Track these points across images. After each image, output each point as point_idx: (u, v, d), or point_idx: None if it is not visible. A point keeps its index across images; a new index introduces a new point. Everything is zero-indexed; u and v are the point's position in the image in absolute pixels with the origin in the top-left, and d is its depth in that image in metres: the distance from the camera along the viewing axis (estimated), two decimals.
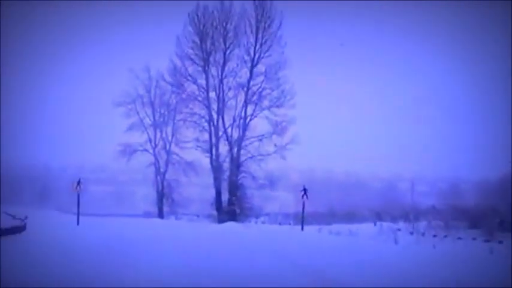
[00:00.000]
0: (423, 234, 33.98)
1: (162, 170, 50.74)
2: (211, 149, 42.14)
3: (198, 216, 48.22)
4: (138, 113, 50.49)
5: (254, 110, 41.56)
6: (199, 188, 49.01)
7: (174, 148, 50.06)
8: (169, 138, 50.43)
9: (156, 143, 50.96)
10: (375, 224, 39.13)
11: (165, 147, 50.80)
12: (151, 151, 50.88)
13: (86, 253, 16.47)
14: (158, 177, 50.91)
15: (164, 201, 50.65)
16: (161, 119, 50.61)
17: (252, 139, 41.80)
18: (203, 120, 42.59)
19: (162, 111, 50.15)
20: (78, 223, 30.03)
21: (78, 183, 32.40)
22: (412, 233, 34.43)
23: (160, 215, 50.25)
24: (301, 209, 31.76)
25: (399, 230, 35.25)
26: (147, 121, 50.39)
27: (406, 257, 19.29)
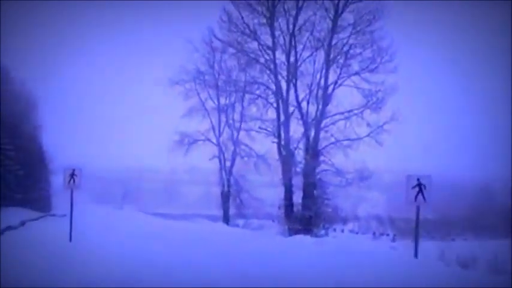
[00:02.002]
0: None
1: (228, 164, 45.66)
2: (278, 131, 34.94)
3: (273, 221, 42.11)
4: (198, 94, 45.12)
5: (338, 76, 33.85)
6: (272, 186, 41.73)
7: (243, 138, 44.53)
8: (237, 125, 44.67)
9: (221, 131, 45.70)
10: None
11: (231, 137, 45.38)
12: (214, 141, 45.78)
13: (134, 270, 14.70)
14: (223, 173, 46.00)
15: (230, 202, 45.80)
16: (227, 101, 45.02)
17: (336, 117, 34.10)
18: (268, 91, 35.45)
19: (229, 91, 44.34)
20: (70, 238, 21.64)
21: (72, 175, 23.32)
22: None
23: (226, 218, 45.63)
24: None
25: None
26: (210, 104, 45.27)
27: None
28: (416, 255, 18.23)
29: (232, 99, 44.08)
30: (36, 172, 60.46)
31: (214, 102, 45.64)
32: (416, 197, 17.63)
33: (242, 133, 44.57)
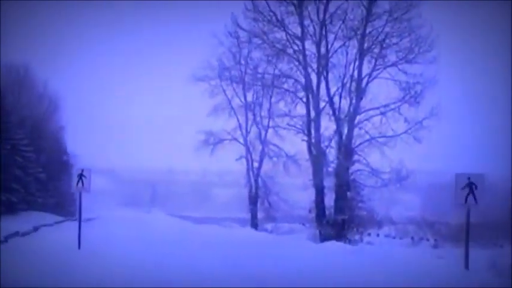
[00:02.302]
0: None
1: (255, 165, 44.20)
2: (308, 128, 32.97)
3: (303, 224, 40.50)
4: (224, 91, 43.66)
5: (373, 68, 31.99)
6: (302, 188, 39.26)
7: (271, 137, 42.95)
8: (265, 123, 42.96)
9: (248, 129, 44.12)
10: None
11: (259, 136, 43.67)
12: (241, 140, 44.31)
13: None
14: (251, 175, 44.56)
15: (258, 205, 44.50)
16: (254, 98, 43.38)
17: (371, 112, 32.26)
18: (296, 85, 33.50)
19: (256, 87, 42.59)
20: (79, 246, 20.04)
21: (80, 176, 21.49)
22: None
23: (254, 222, 44.31)
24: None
25: None
26: (236, 101, 43.75)
27: None
28: (467, 265, 15.86)
29: (260, 95, 42.47)
30: (59, 175, 59.65)
31: (240, 100, 44.62)
32: (466, 198, 15.36)
33: (270, 132, 43.66)
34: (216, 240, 28.73)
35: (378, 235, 38.93)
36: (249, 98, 44.10)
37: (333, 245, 26.05)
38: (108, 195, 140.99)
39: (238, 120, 44.14)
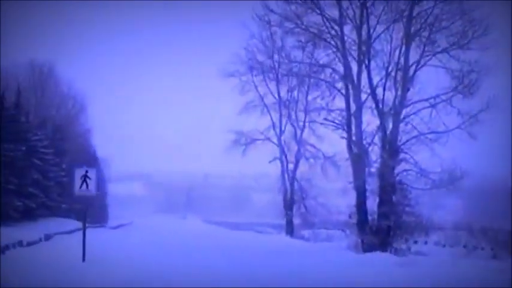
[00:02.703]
0: None
1: (291, 167, 43.60)
2: (348, 123, 29.62)
3: (343, 230, 37.51)
4: (256, 87, 42.85)
5: (421, 55, 28.60)
6: (342, 192, 36.27)
7: (307, 136, 42.37)
8: (301, 121, 42.19)
9: (283, 128, 43.64)
10: None
11: (295, 135, 43.05)
12: (275, 140, 43.76)
13: None
14: (286, 177, 43.91)
15: (294, 210, 43.95)
16: (289, 95, 42.48)
17: (419, 105, 28.97)
18: (334, 75, 30.18)
19: (290, 81, 41.09)
20: (83, 258, 19.33)
21: (85, 178, 19.84)
22: None
23: (289, 229, 43.78)
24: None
25: None
26: (270, 98, 43.14)
27: None
28: None
29: (295, 88, 40.12)
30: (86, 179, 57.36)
31: (274, 96, 42.97)
32: None
33: (307, 131, 42.11)
34: (250, 248, 29.36)
35: (425, 243, 35.94)
36: (283, 94, 42.47)
37: (377, 256, 23.86)
38: (142, 201, 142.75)
39: (271, 119, 43.24)
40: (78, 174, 18.95)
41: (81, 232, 36.46)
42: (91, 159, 62.60)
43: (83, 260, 18.71)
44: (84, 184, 18.98)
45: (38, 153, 39.76)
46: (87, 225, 48.29)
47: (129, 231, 50.31)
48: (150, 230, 53.18)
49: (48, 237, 27.91)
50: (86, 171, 19.11)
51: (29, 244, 23.77)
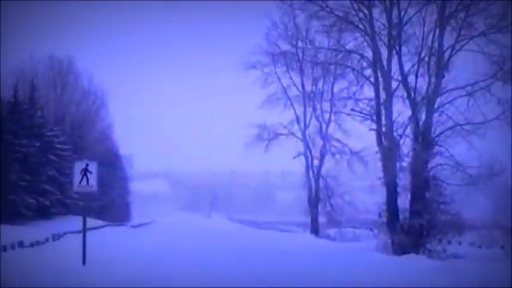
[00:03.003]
0: None
1: (315, 163, 42.66)
2: (378, 114, 27.76)
3: (370, 230, 37.98)
4: (279, 79, 41.79)
5: (457, 39, 26.55)
6: (370, 188, 34.77)
7: (333, 131, 41.53)
8: (327, 114, 41.08)
9: (307, 123, 42.44)
10: None
11: (320, 130, 42.03)
12: (299, 135, 42.74)
13: None
14: (310, 174, 42.88)
15: (320, 208, 43.10)
16: (314, 87, 41.10)
17: (454, 93, 27.02)
18: (362, 62, 28.50)
19: (316, 74, 39.88)
20: (84, 261, 18.04)
21: (85, 172, 17.91)
22: None
23: (314, 228, 42.86)
24: None
25: None
26: (293, 91, 42.02)
27: None
28: None
29: (319, 77, 38.53)
30: (105, 177, 56.54)
31: (298, 89, 41.39)
32: None
33: (332, 125, 40.94)
34: (273, 248, 28.73)
35: (459, 243, 33.77)
36: (308, 86, 41.12)
37: (411, 259, 21.84)
38: (167, 199, 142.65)
39: (295, 112, 42.13)
40: (77, 168, 17.18)
41: (95, 231, 35.17)
42: (113, 157, 61.61)
43: (83, 263, 17.03)
44: (85, 179, 17.19)
45: (53, 149, 38.57)
46: (106, 223, 47.15)
47: (149, 230, 49.32)
48: (172, 229, 52.50)
49: (58, 237, 26.40)
50: (87, 165, 17.40)
51: (34, 244, 22.33)
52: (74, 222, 36.67)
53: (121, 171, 66.17)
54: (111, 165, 59.30)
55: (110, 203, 57.10)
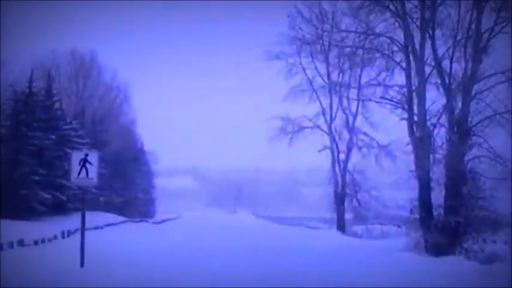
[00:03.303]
0: None
1: (342, 157, 41.47)
2: (409, 102, 25.81)
3: (399, 227, 34.74)
4: (304, 69, 40.44)
5: (495, 21, 24.60)
6: (400, 183, 33.88)
7: (360, 124, 40.38)
8: (354, 109, 40.19)
9: (333, 115, 41.11)
10: None
11: (346, 123, 40.80)
12: (325, 128, 41.32)
13: None
14: (337, 168, 41.53)
15: (346, 204, 41.97)
16: (341, 77, 39.16)
17: (493, 79, 24.99)
18: (392, 46, 26.41)
19: (342, 64, 37.84)
20: (82, 262, 16.54)
21: (84, 162, 16.27)
22: None
23: (340, 224, 41.46)
24: None
25: None
26: (319, 82, 40.55)
27: None
28: None
29: (347, 73, 36.69)
30: (128, 172, 55.46)
31: (323, 79, 39.61)
32: None
33: (360, 118, 40.41)
34: (298, 245, 28.37)
35: (494, 242, 31.81)
36: (334, 77, 39.81)
37: (449, 260, 20.24)
38: (192, 196, 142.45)
39: (321, 105, 40.65)
40: (75, 158, 15.59)
41: (109, 228, 33.84)
42: (136, 152, 60.53)
43: (81, 265, 15.55)
44: (84, 170, 15.59)
45: (71, 143, 37.26)
46: (126, 219, 45.84)
47: (171, 227, 48.08)
48: (195, 225, 51.37)
49: (68, 234, 25.20)
50: (86, 155, 15.86)
51: (37, 242, 21.08)
52: (92, 218, 35.66)
53: (145, 167, 65.19)
54: (134, 160, 58.24)
55: (132, 199, 56.04)
